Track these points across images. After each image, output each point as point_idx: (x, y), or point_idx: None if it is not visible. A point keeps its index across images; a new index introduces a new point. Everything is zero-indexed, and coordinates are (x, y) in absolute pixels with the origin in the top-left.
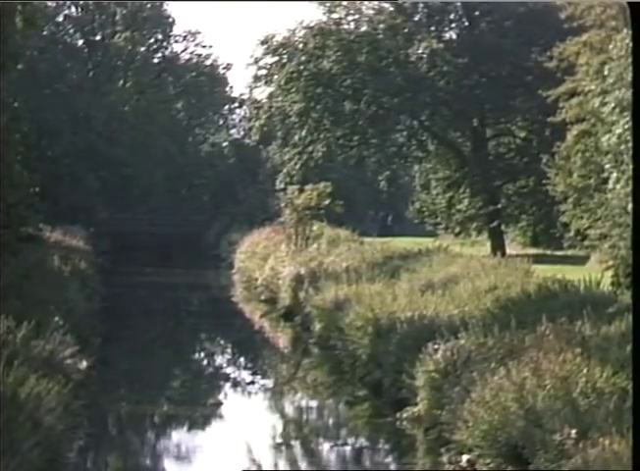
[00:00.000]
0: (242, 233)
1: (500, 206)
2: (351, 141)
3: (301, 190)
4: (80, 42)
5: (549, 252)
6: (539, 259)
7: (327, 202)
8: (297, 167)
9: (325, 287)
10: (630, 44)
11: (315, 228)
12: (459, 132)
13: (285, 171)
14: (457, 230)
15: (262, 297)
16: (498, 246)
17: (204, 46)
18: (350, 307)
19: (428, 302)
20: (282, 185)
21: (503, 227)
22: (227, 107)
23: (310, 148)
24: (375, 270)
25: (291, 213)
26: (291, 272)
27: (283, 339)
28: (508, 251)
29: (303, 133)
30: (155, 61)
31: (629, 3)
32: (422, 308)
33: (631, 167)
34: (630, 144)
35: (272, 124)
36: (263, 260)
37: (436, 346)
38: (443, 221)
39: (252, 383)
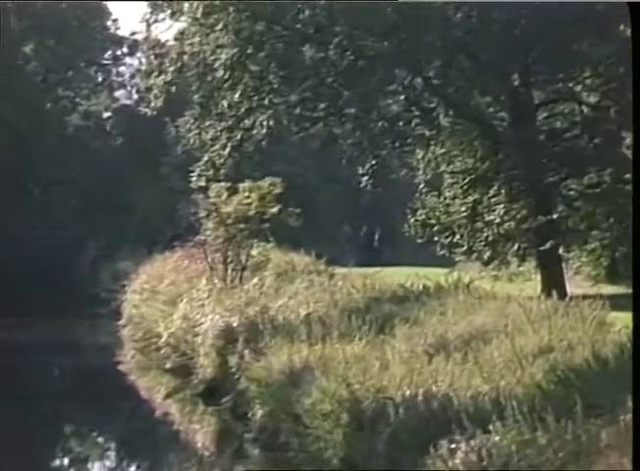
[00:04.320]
0: (136, 259)
1: (556, 217)
2: (314, 111)
3: (233, 190)
4: None
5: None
6: (620, 303)
7: (275, 210)
8: (226, 152)
9: (272, 347)
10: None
11: (256, 251)
12: (490, 97)
13: (205, 158)
14: (487, 255)
15: (168, 365)
16: (553, 282)
17: None
18: (313, 381)
19: (440, 373)
20: (200, 182)
21: (561, 250)
22: (109, 53)
23: (247, 122)
24: (353, 320)
25: (215, 227)
26: (215, 323)
27: (202, 433)
28: (571, 290)
29: (236, 98)
30: None
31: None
32: (430, 382)
33: None
34: None
35: (185, 82)
36: (170, 304)
37: (453, 446)
38: (463, 241)
39: None
